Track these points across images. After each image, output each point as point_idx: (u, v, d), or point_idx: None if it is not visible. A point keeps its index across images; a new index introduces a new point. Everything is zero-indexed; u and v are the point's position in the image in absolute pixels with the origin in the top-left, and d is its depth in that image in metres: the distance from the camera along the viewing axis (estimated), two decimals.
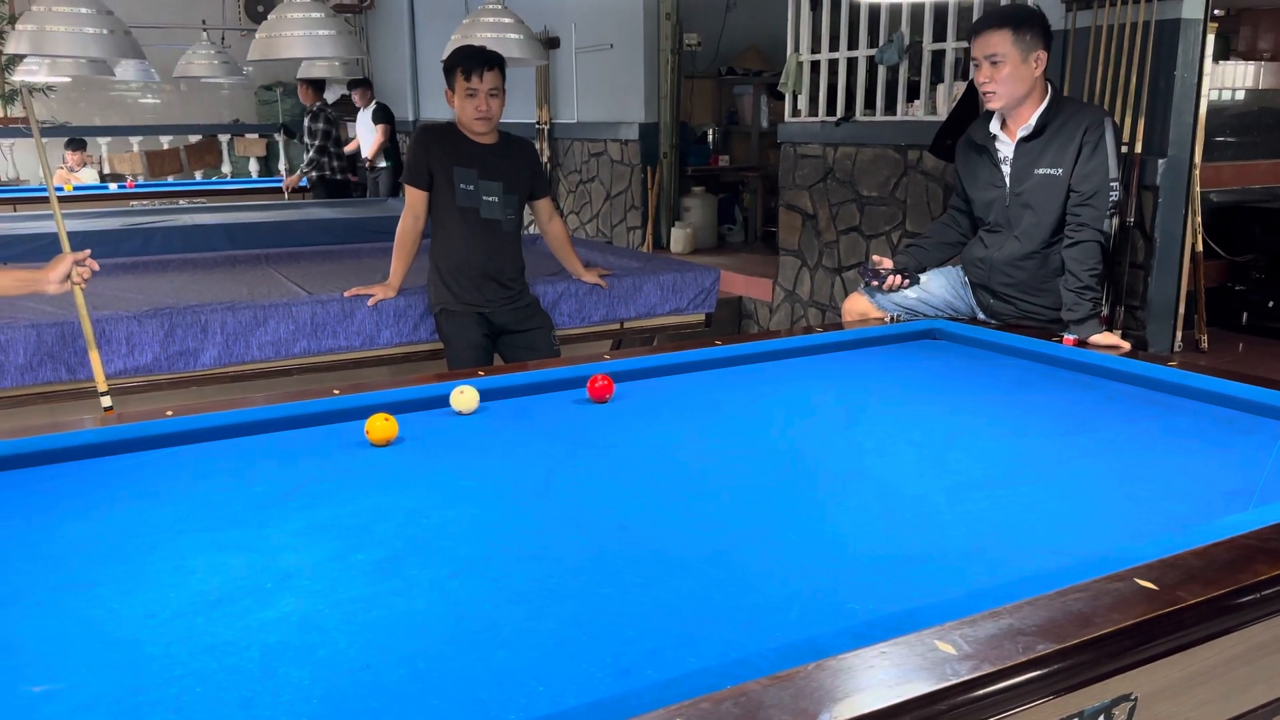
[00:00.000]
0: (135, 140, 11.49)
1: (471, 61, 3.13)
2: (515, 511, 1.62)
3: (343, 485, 1.72)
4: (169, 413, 2.02)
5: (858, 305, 3.00)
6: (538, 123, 8.08)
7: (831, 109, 5.47)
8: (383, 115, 8.36)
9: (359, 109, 8.55)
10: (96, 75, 6.18)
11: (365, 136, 8.62)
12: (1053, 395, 2.23)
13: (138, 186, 9.20)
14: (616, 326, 3.70)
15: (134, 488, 1.72)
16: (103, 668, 1.15)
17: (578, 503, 1.65)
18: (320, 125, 8.23)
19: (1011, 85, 2.63)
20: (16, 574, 1.39)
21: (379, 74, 11.60)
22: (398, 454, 1.88)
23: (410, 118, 10.55)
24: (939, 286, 2.94)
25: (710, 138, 7.77)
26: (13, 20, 9.06)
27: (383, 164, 8.37)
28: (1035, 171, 2.69)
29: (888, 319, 2.90)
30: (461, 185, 3.18)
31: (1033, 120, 2.67)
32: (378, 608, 1.29)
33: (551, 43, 7.84)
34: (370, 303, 3.25)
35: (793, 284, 5.87)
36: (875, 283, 2.91)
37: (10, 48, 3.75)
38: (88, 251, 2.61)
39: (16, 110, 10.84)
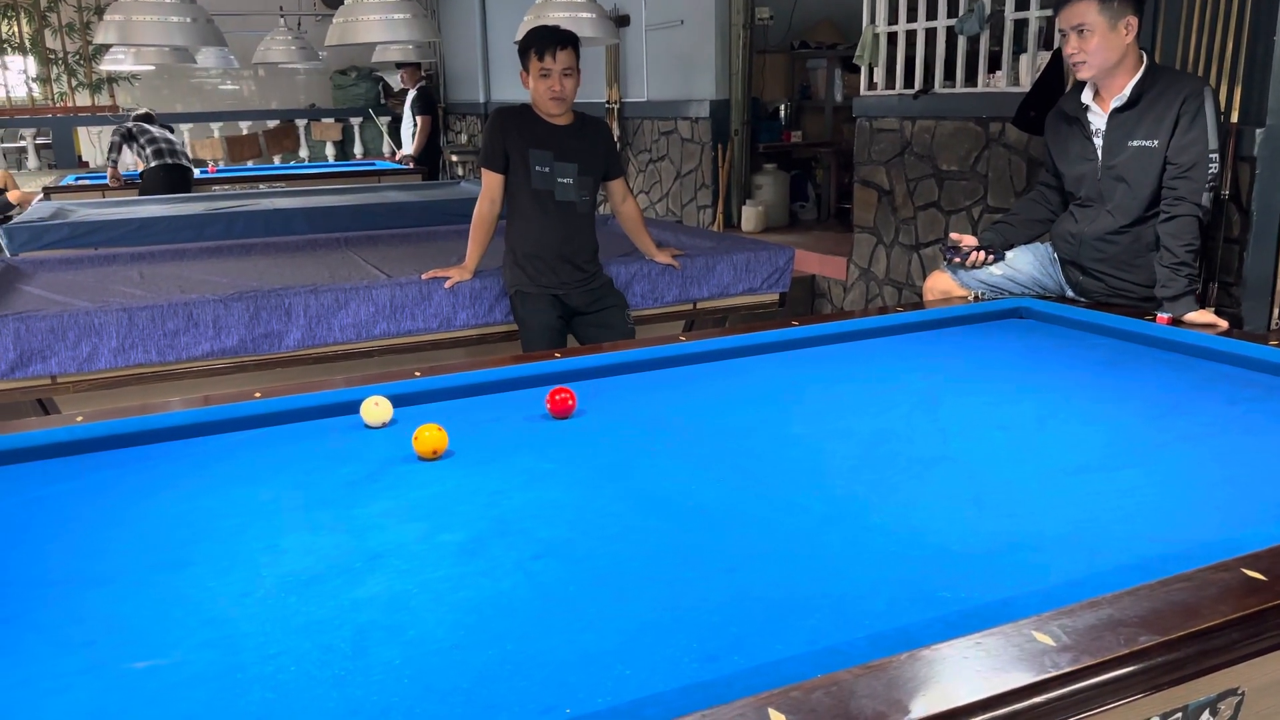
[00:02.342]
0: (216, 126, 11.77)
1: (545, 41, 3.12)
2: (595, 494, 1.62)
3: (426, 466, 1.74)
4: (257, 394, 2.06)
5: (940, 283, 2.94)
6: (607, 102, 8.06)
7: (909, 81, 5.34)
8: (424, 104, 8.41)
9: (404, 88, 8.63)
10: (180, 64, 6.33)
11: (407, 127, 8.71)
12: (1146, 376, 2.15)
13: (219, 171, 9.43)
14: (689, 307, 3.68)
15: (226, 469, 1.77)
16: (200, 645, 1.18)
17: (656, 486, 1.65)
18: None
19: (1102, 54, 2.53)
20: (115, 553, 1.44)
21: (450, 57, 11.69)
22: (477, 436, 1.89)
23: (481, 100, 10.61)
24: (1026, 263, 2.86)
25: (782, 114, 7.66)
26: (100, 12, 9.34)
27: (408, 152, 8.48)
28: (1129, 143, 2.58)
29: (971, 297, 2.83)
30: (537, 168, 3.18)
31: (1127, 90, 2.57)
32: (465, 588, 1.31)
33: (621, 20, 7.80)
34: (447, 285, 3.28)
35: (868, 262, 5.77)
36: (958, 259, 2.84)
37: (99, 38, 3.86)
38: None
39: (104, 99, 11.19)
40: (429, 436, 1.73)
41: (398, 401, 2.06)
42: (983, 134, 4.81)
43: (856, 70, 5.85)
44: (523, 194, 3.22)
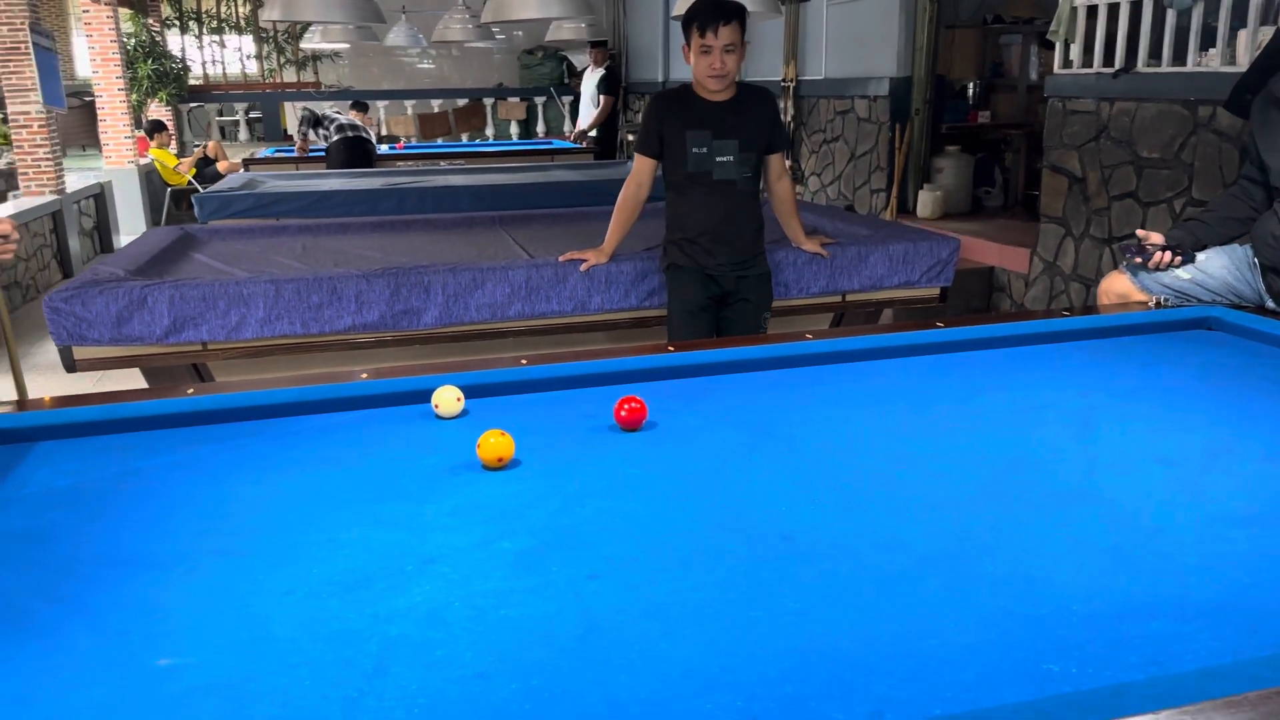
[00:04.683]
0: (410, 104, 12.26)
1: (707, 15, 2.96)
2: (674, 507, 1.49)
3: (510, 461, 1.65)
4: (364, 375, 2.04)
5: (1117, 285, 2.61)
6: (784, 80, 7.81)
7: (1109, 59, 4.86)
8: (609, 84, 8.39)
9: (590, 68, 8.65)
10: (365, 41, 6.55)
11: (586, 105, 8.71)
12: None
13: (407, 148, 9.80)
14: (838, 299, 3.47)
15: (314, 451, 1.74)
16: (227, 646, 1.13)
17: (744, 503, 1.50)
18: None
19: None
20: (182, 535, 1.42)
21: (634, 37, 11.68)
22: (565, 436, 1.79)
23: (660, 79, 10.54)
24: (1219, 267, 2.50)
25: (970, 92, 7.20)
26: None
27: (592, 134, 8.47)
28: None
29: (1152, 303, 2.50)
30: (694, 149, 3.05)
31: None
32: (509, 606, 1.21)
33: None
34: (583, 268, 3.21)
35: (1054, 255, 5.32)
36: (1139, 259, 2.51)
37: (264, 15, 4.00)
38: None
39: (308, 75, 11.85)
40: (494, 444, 1.61)
41: (500, 391, 2.00)
42: (1190, 118, 4.31)
43: (1052, 47, 5.39)
44: (680, 175, 3.11)
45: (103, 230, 8.68)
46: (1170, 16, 4.44)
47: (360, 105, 9.01)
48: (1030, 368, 2.13)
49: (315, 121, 7.57)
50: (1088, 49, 5.01)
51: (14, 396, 2.27)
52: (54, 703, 1.03)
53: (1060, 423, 1.81)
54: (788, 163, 3.28)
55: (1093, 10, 4.96)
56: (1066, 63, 5.18)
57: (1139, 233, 2.54)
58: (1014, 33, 7.29)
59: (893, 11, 6.62)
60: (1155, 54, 4.60)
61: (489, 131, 12.33)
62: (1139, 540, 1.34)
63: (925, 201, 6.60)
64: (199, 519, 1.48)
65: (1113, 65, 4.80)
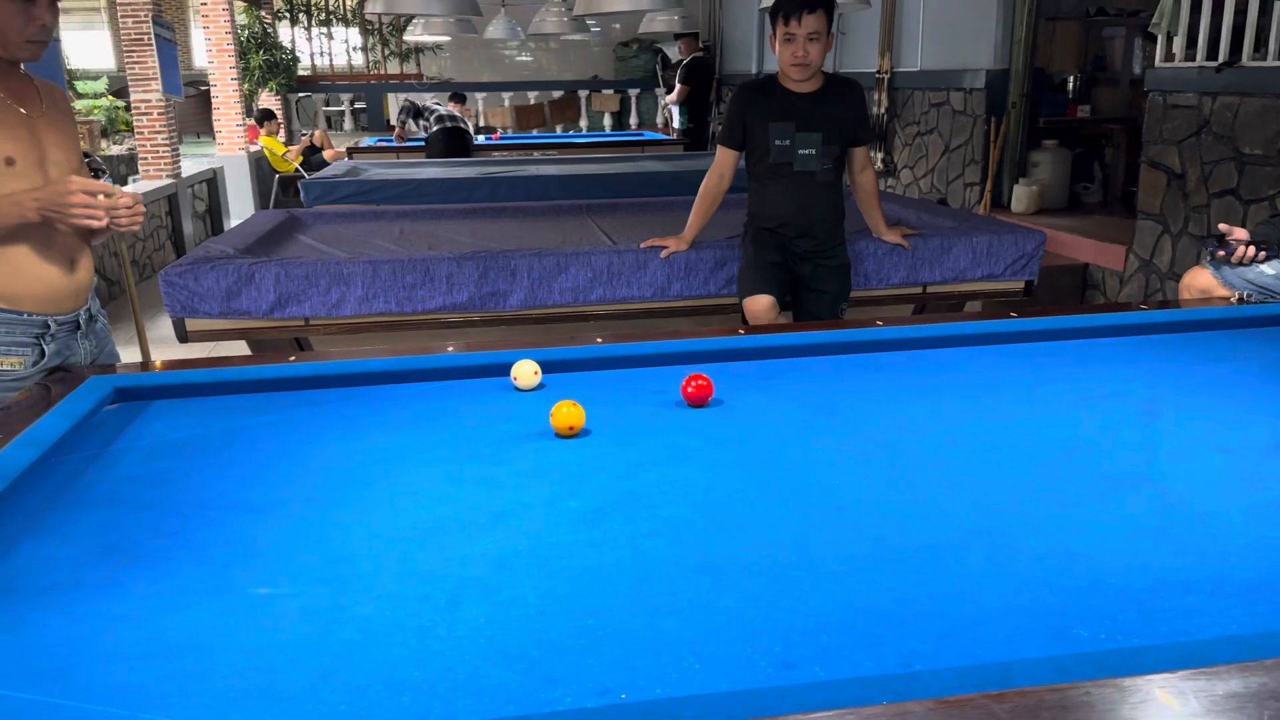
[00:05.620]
0: (506, 96, 12.51)
1: (791, 4, 3.00)
2: (732, 477, 1.56)
3: (581, 430, 1.75)
4: (449, 349, 2.16)
5: (1199, 280, 2.58)
6: (878, 72, 7.75)
7: (1212, 53, 4.72)
8: (687, 74, 8.43)
9: (680, 59, 8.73)
10: (464, 34, 6.74)
11: (674, 97, 8.81)
12: None
13: (503, 138, 10.02)
14: (919, 291, 3.48)
15: (401, 416, 1.86)
16: (317, 580, 1.26)
17: (800, 476, 1.56)
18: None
19: None
20: (281, 485, 1.56)
21: (729, 29, 11.70)
22: (634, 408, 1.87)
23: (752, 70, 10.54)
24: None
25: (1070, 86, 7.03)
26: None
27: (676, 124, 8.53)
28: None
29: (1235, 299, 2.47)
30: (777, 141, 3.10)
31: None
32: (571, 557, 1.31)
33: None
34: (663, 255, 3.29)
35: (1150, 252, 5.20)
36: (1223, 253, 2.48)
37: (369, 7, 4.17)
38: (119, 191, 2.01)
39: (410, 67, 12.19)
40: (565, 413, 1.71)
41: (575, 367, 2.10)
42: None
43: (1156, 39, 5.25)
44: (761, 166, 3.16)
45: (214, 214, 9.11)
46: (1277, 9, 4.30)
47: (458, 96, 9.25)
48: (1100, 360, 2.14)
49: (416, 112, 7.83)
50: (1191, 42, 4.88)
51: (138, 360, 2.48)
52: (166, 620, 1.17)
53: (1122, 411, 1.83)
54: (880, 155, 3.30)
55: (1197, 2, 4.83)
56: (1168, 56, 5.04)
57: (1222, 226, 2.51)
58: (1118, 25, 7.10)
59: (991, 3, 6.52)
60: (1261, 46, 4.46)
61: (582, 123, 12.49)
62: (1187, 523, 1.37)
63: (1020, 196, 6.49)
64: (294, 471, 1.62)
65: (1216, 59, 4.66)
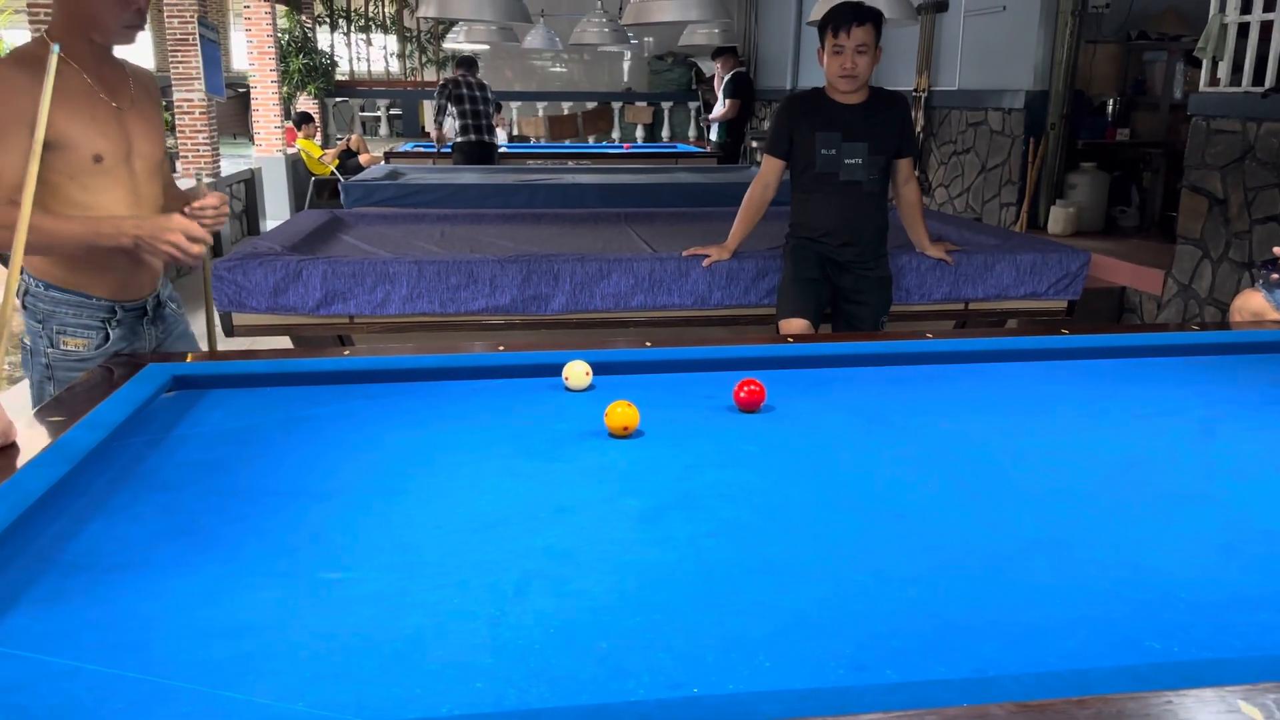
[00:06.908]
0: (541, 105, 12.59)
1: (841, 16, 3.03)
2: (788, 481, 1.57)
3: (635, 431, 1.75)
4: (500, 348, 2.18)
5: (1251, 303, 2.57)
6: (916, 90, 7.75)
7: (1259, 78, 4.70)
8: (735, 88, 8.44)
9: (714, 74, 8.77)
10: (506, 42, 6.79)
11: (717, 109, 8.82)
12: None
13: (537, 147, 10.09)
14: (961, 307, 3.47)
15: (457, 410, 1.88)
16: (384, 567, 1.27)
17: (858, 482, 1.56)
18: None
19: None
20: (345, 474, 1.57)
21: (764, 44, 11.73)
22: (690, 411, 1.88)
23: (788, 86, 10.56)
24: None
25: (1110, 109, 7.01)
26: None
27: (714, 137, 8.55)
28: None
29: None
30: (823, 151, 3.11)
31: None
32: (632, 553, 1.31)
33: (939, 6, 7.46)
34: (705, 263, 3.30)
35: (1189, 277, 5.16)
36: (1276, 275, 2.46)
37: (420, 11, 4.22)
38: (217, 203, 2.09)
39: (447, 74, 12.27)
40: (621, 413, 1.72)
41: (625, 370, 2.10)
42: None
43: (1199, 64, 5.23)
44: (807, 176, 3.18)
45: (251, 214, 9.21)
46: None
47: (470, 63, 9.25)
48: (1154, 378, 2.13)
49: (453, 97, 7.75)
50: (1236, 67, 4.86)
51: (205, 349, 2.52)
52: (239, 601, 1.18)
53: (1180, 429, 1.82)
54: (915, 172, 3.31)
55: (1244, 28, 4.81)
56: (1213, 81, 5.02)
57: (1277, 250, 2.49)
58: (1159, 49, 7.07)
59: (1031, 24, 6.51)
60: None
61: (615, 135, 12.55)
62: (1252, 539, 1.36)
63: (1057, 218, 6.47)
64: (355, 460, 1.63)
65: (1262, 84, 4.64)
